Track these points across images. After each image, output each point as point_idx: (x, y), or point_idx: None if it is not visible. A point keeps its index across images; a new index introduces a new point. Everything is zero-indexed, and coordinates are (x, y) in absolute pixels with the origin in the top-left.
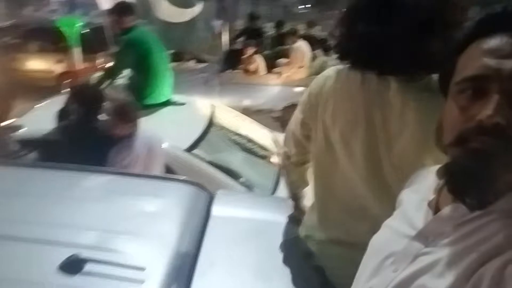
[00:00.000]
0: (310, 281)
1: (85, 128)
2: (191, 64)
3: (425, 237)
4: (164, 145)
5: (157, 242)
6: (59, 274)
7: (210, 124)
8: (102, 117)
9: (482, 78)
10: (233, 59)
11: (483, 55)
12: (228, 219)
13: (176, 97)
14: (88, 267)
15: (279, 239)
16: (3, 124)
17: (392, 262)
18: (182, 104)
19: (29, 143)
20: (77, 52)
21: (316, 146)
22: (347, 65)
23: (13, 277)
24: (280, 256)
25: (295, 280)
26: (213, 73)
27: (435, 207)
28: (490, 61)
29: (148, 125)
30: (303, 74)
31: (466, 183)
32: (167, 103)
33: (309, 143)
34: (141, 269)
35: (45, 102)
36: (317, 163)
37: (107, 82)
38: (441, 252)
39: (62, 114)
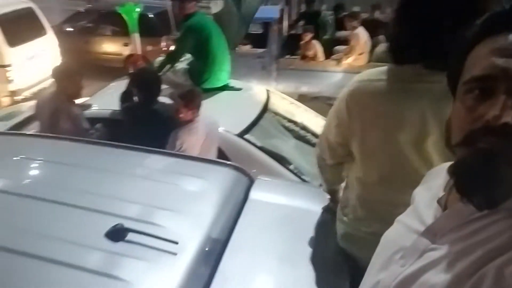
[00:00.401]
0: (341, 270)
1: (145, 110)
2: (249, 49)
3: (433, 233)
4: (219, 129)
5: (193, 220)
6: (105, 240)
7: (265, 110)
8: (163, 100)
9: (490, 78)
10: (291, 45)
11: (491, 54)
12: (265, 204)
13: (233, 82)
14: (130, 236)
15: (312, 228)
16: (76, 102)
17: (401, 257)
18: (239, 89)
19: (96, 121)
20: (136, 37)
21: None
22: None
23: (65, 238)
24: (310, 244)
25: (323, 268)
26: (271, 59)
27: (445, 204)
28: (498, 60)
29: (205, 110)
30: (363, 61)
31: (473, 183)
32: (224, 88)
33: (342, 148)
34: (175, 242)
35: (114, 83)
36: (362, 159)
37: (168, 66)
38: (447, 249)
39: (125, 96)
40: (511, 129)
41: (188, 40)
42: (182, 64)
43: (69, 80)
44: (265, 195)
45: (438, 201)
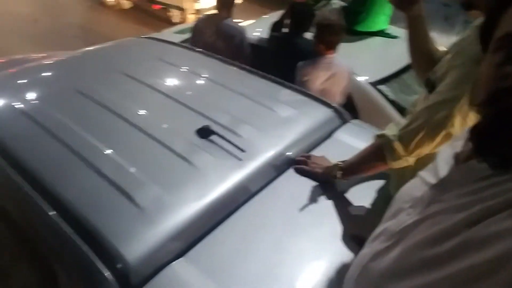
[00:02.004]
0: None
1: (289, 42)
2: None
3: (443, 187)
4: (352, 73)
5: (269, 139)
6: (194, 134)
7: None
8: (309, 34)
9: None
10: None
11: None
12: (344, 145)
13: (392, 29)
14: (212, 137)
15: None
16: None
17: (409, 207)
18: (395, 37)
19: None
20: None
21: None
22: None
23: (168, 124)
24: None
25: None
26: (459, 9)
27: (461, 160)
28: None
29: (349, 51)
30: None
31: (491, 143)
32: (379, 33)
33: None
34: (242, 150)
35: (272, 14)
36: None
37: (323, 2)
38: (451, 202)
39: (276, 26)
40: None
41: None
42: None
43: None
44: (350, 138)
45: (455, 157)
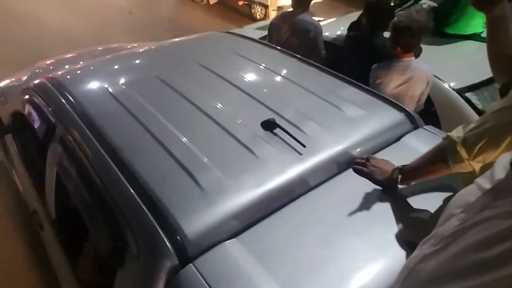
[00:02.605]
0: None
1: (365, 41)
2: None
3: (497, 192)
4: (432, 78)
5: (332, 137)
6: (259, 126)
7: None
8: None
9: None
10: None
11: None
12: (411, 150)
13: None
14: (276, 130)
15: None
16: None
17: (461, 211)
18: None
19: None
20: None
21: None
22: None
23: (235, 114)
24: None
25: None
26: None
27: None
28: None
29: (436, 54)
30: None
31: None
32: (471, 36)
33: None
34: (303, 145)
35: (355, 13)
36: None
37: (412, 1)
38: (503, 208)
39: (354, 26)
40: None
41: None
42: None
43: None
44: (420, 144)
45: (511, 163)
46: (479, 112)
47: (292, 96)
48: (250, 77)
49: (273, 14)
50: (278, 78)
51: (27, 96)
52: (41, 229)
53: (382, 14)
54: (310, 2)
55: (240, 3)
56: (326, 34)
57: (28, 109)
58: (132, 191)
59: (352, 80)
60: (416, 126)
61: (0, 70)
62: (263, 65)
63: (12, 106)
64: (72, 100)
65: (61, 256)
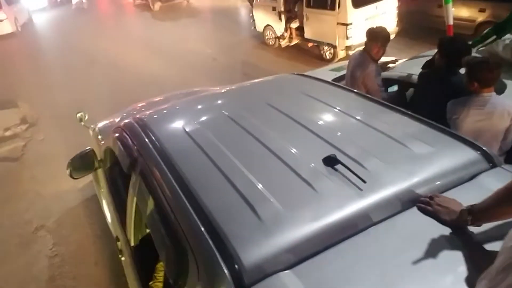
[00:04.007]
0: None
1: (440, 78)
2: None
3: None
4: None
5: (396, 174)
6: (320, 161)
7: None
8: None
9: None
10: None
11: None
12: (485, 190)
13: None
14: (337, 166)
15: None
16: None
17: None
18: None
19: (393, 82)
20: (449, 8)
21: None
22: None
23: (299, 151)
24: None
25: None
26: None
27: None
28: None
29: None
30: None
31: None
32: None
33: None
34: (363, 181)
35: (431, 51)
36: None
37: (494, 37)
38: None
39: (428, 62)
40: None
41: None
42: None
43: (374, 42)
44: (496, 183)
45: None
46: None
47: (355, 133)
48: (314, 115)
49: (341, 54)
50: (343, 116)
51: (117, 134)
52: (121, 255)
53: (454, 51)
54: (377, 39)
55: (310, 45)
56: (397, 73)
57: (117, 145)
58: (197, 219)
59: (421, 118)
60: (493, 165)
61: (101, 113)
62: (329, 103)
63: (105, 144)
64: (153, 137)
65: (136, 280)
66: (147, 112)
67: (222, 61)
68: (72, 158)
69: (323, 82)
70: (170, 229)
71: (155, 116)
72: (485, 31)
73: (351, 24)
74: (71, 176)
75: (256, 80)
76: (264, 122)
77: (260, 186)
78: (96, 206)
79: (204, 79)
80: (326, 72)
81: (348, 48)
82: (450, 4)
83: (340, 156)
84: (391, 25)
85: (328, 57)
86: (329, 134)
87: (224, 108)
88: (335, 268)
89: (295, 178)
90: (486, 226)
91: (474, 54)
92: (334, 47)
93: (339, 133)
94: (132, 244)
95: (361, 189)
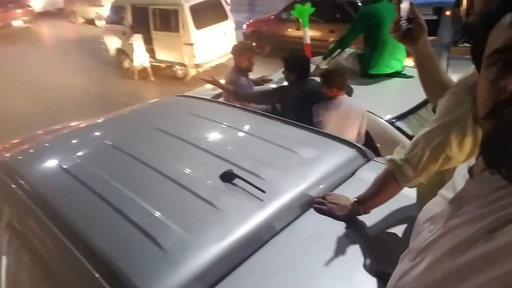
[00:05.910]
0: None
1: (293, 90)
2: None
3: (461, 200)
4: (367, 112)
5: (290, 179)
6: (217, 179)
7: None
8: (314, 79)
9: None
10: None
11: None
12: (367, 182)
13: (408, 70)
14: (235, 180)
15: (404, 213)
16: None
17: (430, 223)
18: (410, 77)
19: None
20: (306, 31)
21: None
22: None
23: (193, 170)
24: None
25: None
26: (441, 47)
27: (476, 173)
28: None
29: (366, 93)
30: None
31: (500, 154)
32: (394, 74)
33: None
34: (263, 191)
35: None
36: None
37: (338, 51)
38: (468, 215)
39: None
40: None
41: (358, 26)
42: (353, 49)
43: (242, 56)
44: (373, 175)
45: (469, 171)
46: (409, 137)
47: (247, 146)
48: (205, 134)
49: (193, 72)
50: (232, 131)
51: None
52: None
53: (300, 62)
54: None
55: (163, 65)
56: (265, 86)
57: None
58: (87, 265)
59: (302, 124)
60: (368, 159)
61: None
62: (217, 121)
63: None
64: (21, 181)
65: None
66: (11, 154)
67: (95, 93)
68: None
69: (207, 100)
70: (56, 283)
71: (20, 158)
72: (330, 46)
73: (194, 44)
74: None
75: (138, 106)
76: (153, 147)
77: (157, 213)
78: None
79: (78, 112)
80: (205, 92)
81: (197, 65)
82: (307, 28)
83: (236, 171)
84: (231, 43)
85: (180, 76)
86: (222, 151)
87: (107, 138)
88: (250, 284)
89: (194, 199)
90: (373, 214)
91: (324, 66)
92: (185, 65)
93: (231, 148)
94: None
95: (261, 200)
